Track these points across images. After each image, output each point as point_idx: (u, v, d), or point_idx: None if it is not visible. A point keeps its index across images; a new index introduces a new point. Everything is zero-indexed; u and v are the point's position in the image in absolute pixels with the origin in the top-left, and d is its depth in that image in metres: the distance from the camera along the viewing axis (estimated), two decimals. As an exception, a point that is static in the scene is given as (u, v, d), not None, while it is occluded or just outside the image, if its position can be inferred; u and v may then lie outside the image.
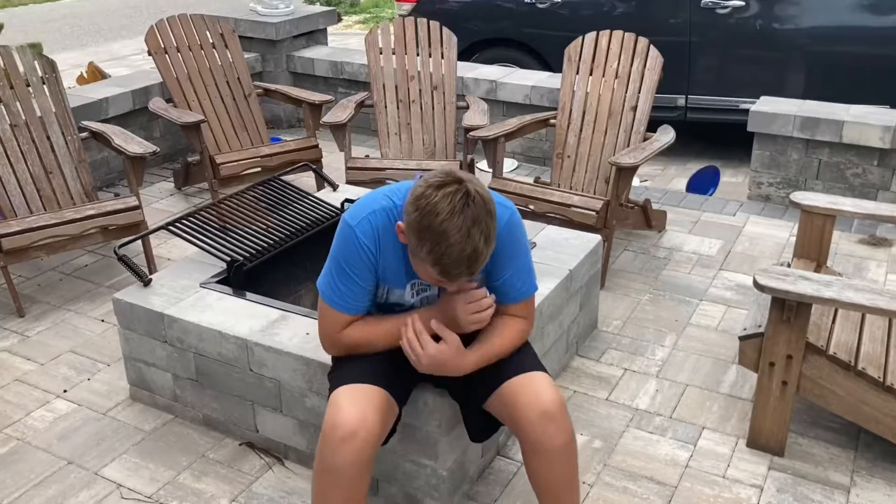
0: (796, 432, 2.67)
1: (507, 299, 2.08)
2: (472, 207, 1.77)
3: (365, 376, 1.99)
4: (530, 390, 1.96)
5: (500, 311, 2.10)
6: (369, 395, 1.95)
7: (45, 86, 3.83)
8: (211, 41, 4.68)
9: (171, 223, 3.02)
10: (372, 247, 1.97)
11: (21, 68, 3.78)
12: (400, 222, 1.89)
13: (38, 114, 3.78)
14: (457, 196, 1.77)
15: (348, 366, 2.05)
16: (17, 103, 3.73)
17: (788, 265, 2.96)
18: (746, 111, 4.50)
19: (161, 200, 4.61)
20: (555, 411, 1.94)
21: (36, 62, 3.83)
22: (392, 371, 2.05)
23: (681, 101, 5.21)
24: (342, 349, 2.08)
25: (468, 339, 2.04)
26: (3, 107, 3.68)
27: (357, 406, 1.91)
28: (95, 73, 6.05)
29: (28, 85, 3.79)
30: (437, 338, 1.98)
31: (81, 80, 6.01)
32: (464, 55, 5.62)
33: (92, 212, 3.54)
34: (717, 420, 2.76)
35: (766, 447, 2.59)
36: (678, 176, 5.03)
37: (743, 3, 4.95)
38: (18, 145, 3.69)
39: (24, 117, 3.74)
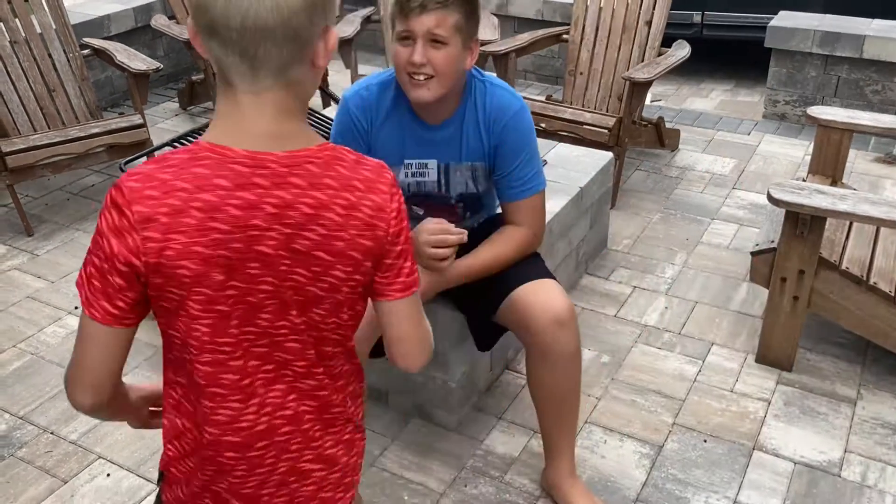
0: (805, 348, 2.67)
1: (514, 194, 2.01)
2: None
3: None
4: (543, 297, 1.95)
5: (506, 218, 2.06)
6: None
7: (43, 1, 3.74)
8: (213, -45, 4.54)
9: (176, 140, 2.98)
10: (363, 119, 1.96)
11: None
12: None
13: (39, 30, 3.71)
14: None
15: None
16: (16, 19, 3.66)
17: (803, 181, 2.91)
18: (765, 28, 4.36)
19: (166, 121, 4.56)
20: (567, 318, 1.93)
21: (34, -24, 3.73)
22: None
23: (697, 17, 5.05)
24: None
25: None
26: (2, 23, 3.61)
27: None
28: None
29: (26, 0, 3.70)
30: None
31: None
32: (473, -30, 5.44)
33: (97, 130, 3.50)
34: (726, 336, 2.75)
35: (775, 362, 2.59)
36: (692, 95, 4.93)
37: (764, -87, 4.75)
38: (19, 62, 3.63)
39: (23, 34, 3.66)
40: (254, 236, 1.02)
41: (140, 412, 1.29)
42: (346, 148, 1.09)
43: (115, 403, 1.16)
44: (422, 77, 1.83)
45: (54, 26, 3.75)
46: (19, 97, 3.59)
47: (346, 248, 1.05)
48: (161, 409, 1.22)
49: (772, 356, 2.60)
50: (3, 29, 3.61)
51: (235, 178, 1.01)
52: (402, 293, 1.13)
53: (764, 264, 2.53)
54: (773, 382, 2.53)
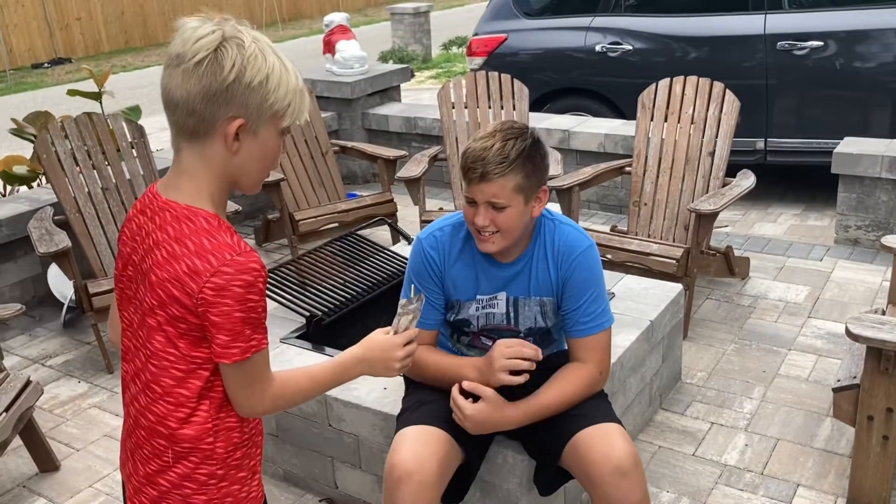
0: (901, 491, 2.51)
1: (580, 330, 2.02)
2: (508, 125, 1.92)
3: (429, 418, 2.00)
4: (603, 443, 1.90)
5: (571, 354, 2.06)
6: (428, 436, 1.95)
7: (133, 150, 4.02)
8: (289, 102, 4.83)
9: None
10: (437, 258, 2.04)
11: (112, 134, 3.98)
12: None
13: (128, 177, 3.96)
14: (498, 124, 1.94)
15: (416, 408, 2.06)
16: (108, 167, 3.92)
17: (883, 312, 2.82)
18: (829, 153, 4.36)
19: (242, 257, 4.73)
20: (628, 466, 1.87)
21: (126, 128, 4.03)
22: None
23: (760, 144, 5.09)
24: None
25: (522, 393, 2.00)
26: (95, 171, 3.87)
27: (414, 447, 1.91)
28: None
29: (118, 150, 3.98)
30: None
31: None
32: (535, 106, 5.65)
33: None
34: (812, 477, 2.62)
35: (869, 507, 2.44)
36: (760, 220, 4.90)
37: (821, 44, 4.84)
38: (109, 208, 3.86)
39: (114, 181, 3.92)
40: (133, 247, 1.38)
41: None
42: (210, 216, 1.32)
43: None
44: (487, 233, 1.95)
45: (142, 173, 4.00)
46: (107, 241, 3.80)
47: (157, 283, 1.31)
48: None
49: (864, 499, 2.45)
50: (97, 177, 3.87)
51: (141, 204, 1.39)
52: (216, 357, 1.32)
53: (847, 401, 2.43)
54: (869, 529, 2.38)
